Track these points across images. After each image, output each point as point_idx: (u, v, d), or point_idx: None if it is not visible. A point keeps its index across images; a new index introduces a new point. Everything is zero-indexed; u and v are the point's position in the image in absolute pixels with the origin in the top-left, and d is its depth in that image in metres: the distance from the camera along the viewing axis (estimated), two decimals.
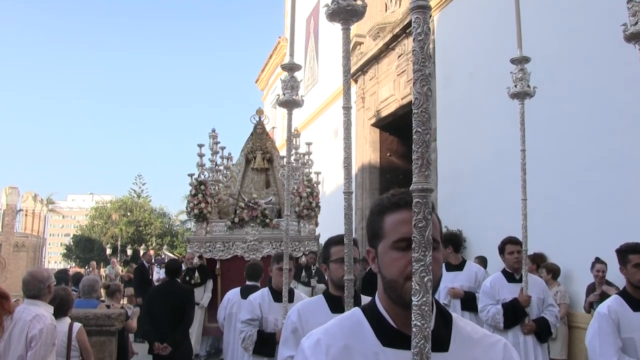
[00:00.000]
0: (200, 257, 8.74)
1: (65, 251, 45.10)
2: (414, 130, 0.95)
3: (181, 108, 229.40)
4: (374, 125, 13.93)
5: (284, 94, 3.20)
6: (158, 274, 14.68)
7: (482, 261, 7.31)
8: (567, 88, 7.21)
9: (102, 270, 22.88)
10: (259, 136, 9.82)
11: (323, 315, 2.41)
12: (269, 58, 26.66)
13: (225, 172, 9.51)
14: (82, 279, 5.99)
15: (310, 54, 19.81)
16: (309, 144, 9.50)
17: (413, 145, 0.96)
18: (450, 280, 5.47)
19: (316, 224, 9.34)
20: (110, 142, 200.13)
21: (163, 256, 21.24)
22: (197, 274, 8.55)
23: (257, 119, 9.80)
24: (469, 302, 5.36)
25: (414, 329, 0.96)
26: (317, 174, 9.41)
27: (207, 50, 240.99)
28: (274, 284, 4.13)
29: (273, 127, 25.60)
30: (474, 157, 9.22)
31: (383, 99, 13.05)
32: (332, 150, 16.39)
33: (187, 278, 8.50)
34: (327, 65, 18.19)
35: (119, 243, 36.33)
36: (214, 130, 9.51)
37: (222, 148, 9.57)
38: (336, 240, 2.72)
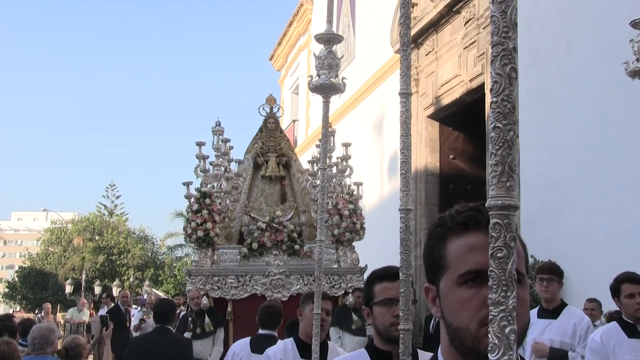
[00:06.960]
0: (206, 295, 8.79)
1: (7, 289, 45.62)
2: (491, 126, 0.94)
3: (168, 97, 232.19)
4: (431, 117, 13.91)
5: (318, 76, 3.17)
6: (136, 319, 14.80)
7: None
8: None
9: (59, 315, 23.17)
10: (271, 133, 9.73)
11: None
12: (287, 27, 26.87)
13: (235, 180, 9.45)
14: (32, 328, 5.98)
15: (344, 21, 19.89)
16: (346, 145, 9.40)
17: (490, 146, 0.96)
18: (540, 332, 5.38)
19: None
20: (72, 141, 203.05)
21: (143, 296, 21.41)
22: (207, 319, 8.59)
23: (268, 109, 9.79)
24: None
25: None
26: (358, 185, 9.34)
27: (205, 19, 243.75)
28: (302, 333, 4.15)
29: (294, 120, 25.74)
30: (573, 160, 9.13)
31: (444, 81, 13.02)
32: (373, 151, 16.39)
33: (192, 326, 8.55)
34: (368, 36, 18.22)
35: (83, 277, 36.73)
36: (218, 124, 9.36)
37: (231, 148, 9.47)
38: (382, 275, 2.73)
